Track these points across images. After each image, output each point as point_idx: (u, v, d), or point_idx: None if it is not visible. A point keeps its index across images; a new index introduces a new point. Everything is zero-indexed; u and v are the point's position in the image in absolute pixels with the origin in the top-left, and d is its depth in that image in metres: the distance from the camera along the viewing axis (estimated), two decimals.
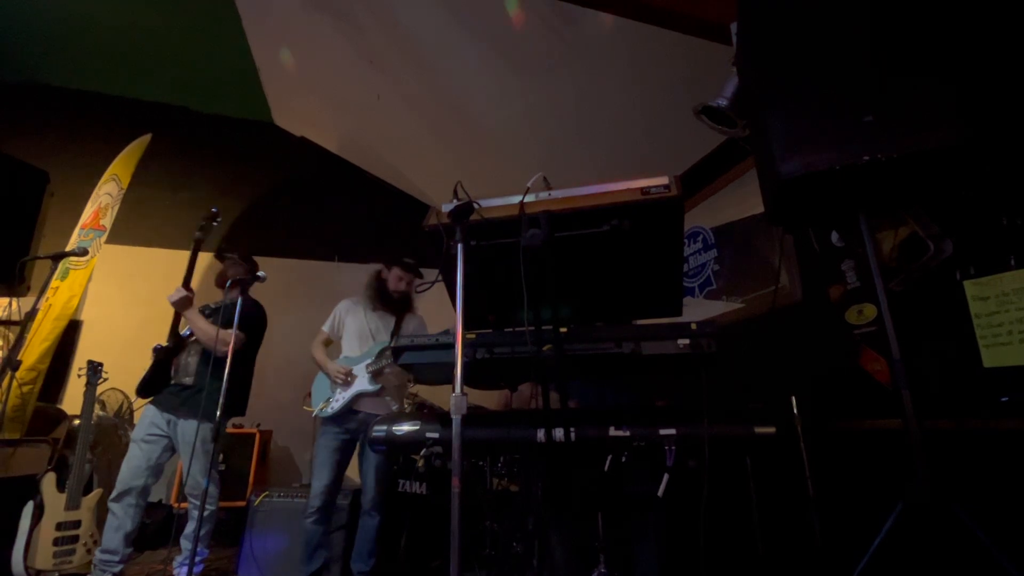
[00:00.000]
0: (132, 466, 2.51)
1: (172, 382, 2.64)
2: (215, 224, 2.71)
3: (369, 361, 2.72)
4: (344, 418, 2.70)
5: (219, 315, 2.64)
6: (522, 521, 2.48)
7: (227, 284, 2.70)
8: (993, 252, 1.77)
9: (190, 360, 2.66)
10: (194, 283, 2.67)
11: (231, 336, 2.51)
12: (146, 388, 2.61)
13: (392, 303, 2.85)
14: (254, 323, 2.70)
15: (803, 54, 1.43)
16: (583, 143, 3.60)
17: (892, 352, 1.34)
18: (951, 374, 1.83)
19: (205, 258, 3.22)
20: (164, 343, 2.66)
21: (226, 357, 2.53)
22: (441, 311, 2.75)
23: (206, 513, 2.52)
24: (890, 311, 1.37)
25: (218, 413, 2.23)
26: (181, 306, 2.58)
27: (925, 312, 1.93)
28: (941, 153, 1.24)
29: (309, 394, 2.83)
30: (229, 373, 2.56)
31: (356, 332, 2.83)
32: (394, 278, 2.86)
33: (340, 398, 2.69)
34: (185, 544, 2.56)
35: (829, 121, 1.34)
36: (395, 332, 2.81)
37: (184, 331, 2.68)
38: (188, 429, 2.54)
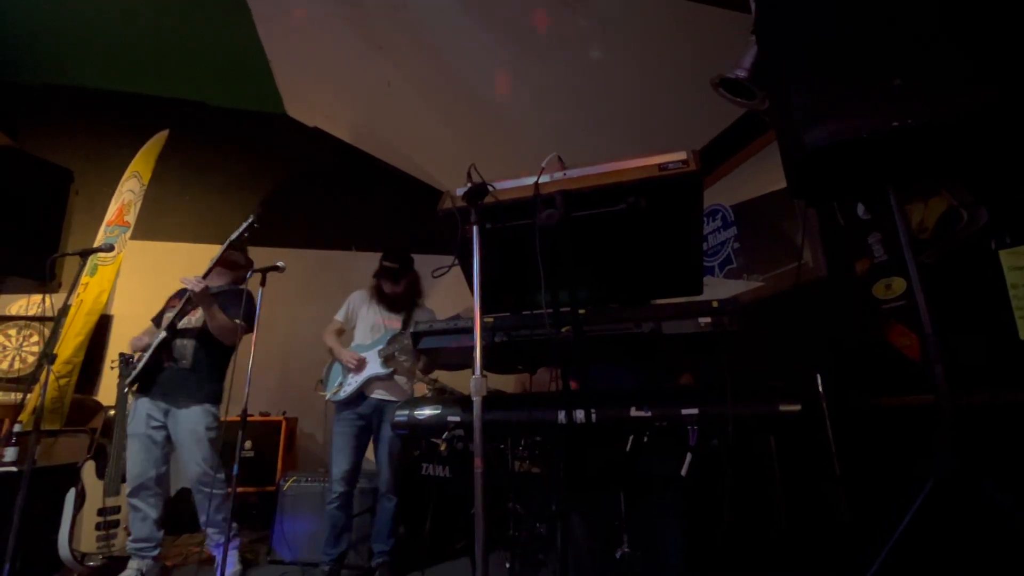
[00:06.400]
0: (138, 461, 2.54)
1: (164, 366, 2.62)
2: (252, 229, 2.59)
3: (380, 347, 2.78)
4: (357, 402, 2.75)
5: (216, 301, 2.65)
6: (545, 502, 2.50)
7: (247, 275, 2.75)
8: None
9: (186, 344, 2.64)
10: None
11: (239, 327, 2.62)
12: (143, 378, 2.62)
13: (393, 302, 2.86)
14: (254, 317, 2.66)
15: (825, 19, 1.37)
16: (596, 123, 3.53)
17: (924, 326, 1.30)
18: (985, 347, 1.77)
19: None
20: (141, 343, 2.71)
21: (223, 344, 2.67)
22: (458, 297, 2.77)
23: (220, 497, 2.58)
24: (921, 284, 1.32)
25: (237, 400, 2.34)
26: (202, 297, 2.52)
27: (958, 284, 1.86)
28: (975, 117, 1.17)
29: (322, 380, 2.90)
30: (226, 362, 2.68)
31: (369, 323, 2.89)
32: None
33: (352, 382, 2.74)
34: (211, 531, 2.61)
35: (855, 87, 1.27)
36: (405, 324, 2.84)
37: (182, 322, 2.65)
38: (188, 417, 2.57)
